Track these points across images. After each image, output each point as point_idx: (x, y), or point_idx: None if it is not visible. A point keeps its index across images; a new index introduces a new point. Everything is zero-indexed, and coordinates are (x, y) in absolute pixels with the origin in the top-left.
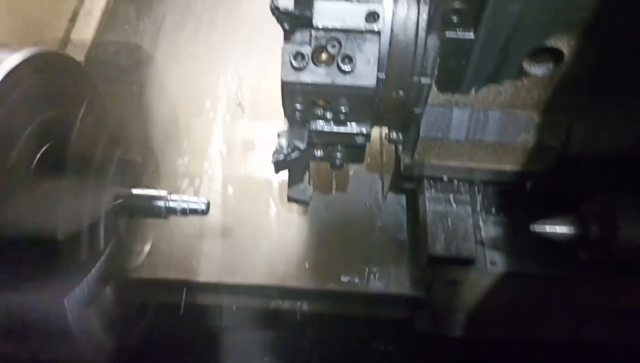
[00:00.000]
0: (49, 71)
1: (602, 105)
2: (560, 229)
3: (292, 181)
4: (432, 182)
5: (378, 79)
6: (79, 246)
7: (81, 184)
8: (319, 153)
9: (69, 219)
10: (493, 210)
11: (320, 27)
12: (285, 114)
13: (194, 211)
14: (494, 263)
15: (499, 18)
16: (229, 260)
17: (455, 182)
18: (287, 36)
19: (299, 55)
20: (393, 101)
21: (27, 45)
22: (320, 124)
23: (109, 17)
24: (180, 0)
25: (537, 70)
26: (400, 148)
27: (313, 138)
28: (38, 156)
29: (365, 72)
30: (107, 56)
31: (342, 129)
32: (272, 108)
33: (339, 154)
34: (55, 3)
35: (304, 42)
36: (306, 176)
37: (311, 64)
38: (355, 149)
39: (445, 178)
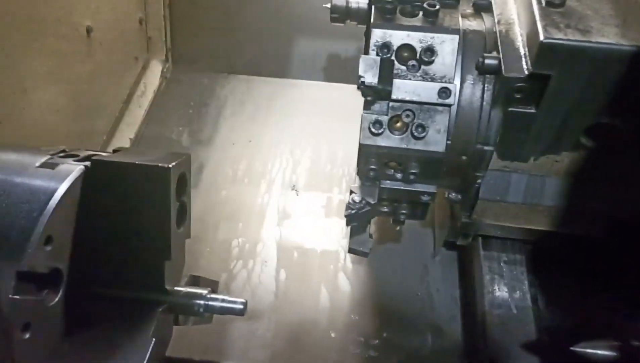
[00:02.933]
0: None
1: None
2: (602, 352)
3: (354, 233)
4: (486, 240)
5: (447, 145)
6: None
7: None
8: (385, 208)
9: None
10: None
11: (398, 98)
12: (359, 173)
13: (231, 311)
14: None
15: (558, 98)
16: (279, 346)
17: (509, 242)
18: (367, 106)
19: (377, 123)
20: (456, 165)
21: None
22: (390, 183)
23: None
24: (240, 86)
25: (594, 143)
26: (456, 206)
27: (382, 194)
28: None
29: (436, 140)
30: (160, 135)
31: (410, 188)
32: (324, 189)
33: (403, 211)
34: (113, 86)
35: (381, 112)
36: (368, 229)
37: (387, 131)
38: (419, 206)
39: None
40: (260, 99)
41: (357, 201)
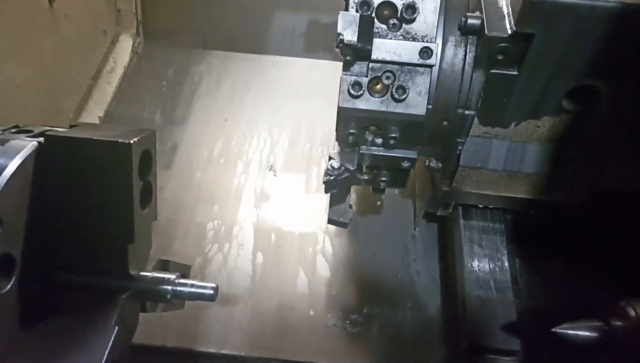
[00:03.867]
0: None
1: (636, 141)
2: (583, 333)
3: (334, 203)
4: (466, 210)
5: (427, 108)
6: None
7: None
8: (364, 176)
9: None
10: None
11: (378, 59)
12: (337, 138)
13: (201, 297)
14: None
15: (541, 58)
16: (256, 332)
17: (489, 212)
18: (346, 67)
19: (356, 84)
20: (437, 131)
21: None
22: (370, 148)
23: (131, 75)
24: (216, 62)
25: (575, 107)
26: (436, 176)
27: (362, 161)
28: None
29: (416, 102)
30: (131, 113)
31: (390, 153)
32: (303, 170)
33: (383, 178)
34: (79, 62)
35: (361, 73)
36: (347, 199)
37: (367, 93)
38: (399, 173)
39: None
40: (237, 77)
41: (336, 167)
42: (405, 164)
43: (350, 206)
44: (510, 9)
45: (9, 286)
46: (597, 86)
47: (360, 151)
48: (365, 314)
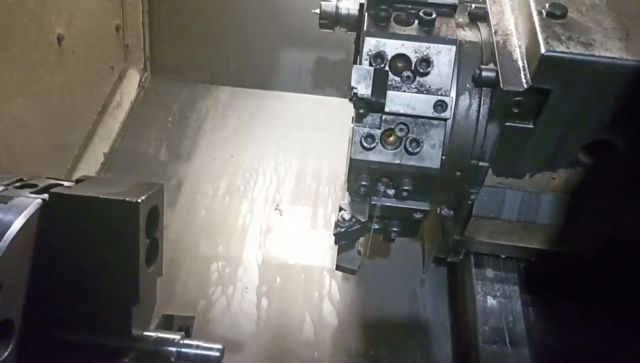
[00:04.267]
0: None
1: None
2: None
3: (342, 249)
4: (478, 258)
5: (441, 160)
6: None
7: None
8: (375, 226)
9: None
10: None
11: (391, 111)
12: (348, 189)
13: (206, 359)
14: None
15: (557, 113)
16: None
17: (501, 261)
18: (359, 119)
19: (369, 136)
20: (450, 181)
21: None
22: (381, 199)
23: (138, 109)
24: (223, 98)
25: (591, 159)
26: (447, 223)
27: (373, 211)
28: None
29: (430, 155)
30: (137, 149)
31: (402, 205)
32: (309, 210)
33: (394, 229)
34: (86, 98)
35: (374, 125)
36: (356, 245)
37: (380, 145)
38: (411, 224)
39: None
40: (244, 112)
41: (347, 218)
42: (418, 215)
43: (359, 252)
44: (525, 62)
45: (6, 353)
46: (613, 140)
47: (372, 202)
48: (372, 358)
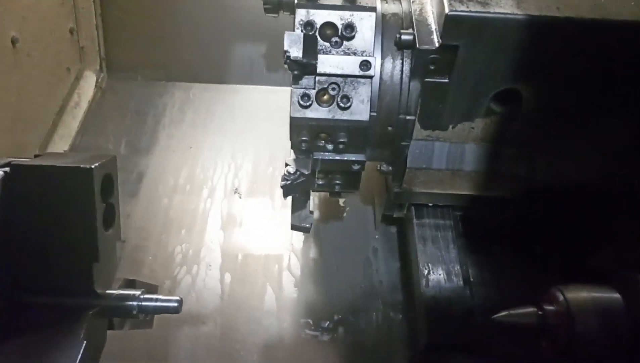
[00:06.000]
0: None
1: (559, 139)
2: (520, 320)
3: (295, 209)
4: (419, 210)
5: (371, 116)
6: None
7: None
8: (320, 181)
9: None
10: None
11: (323, 72)
12: (292, 146)
13: (166, 310)
14: None
15: (466, 66)
16: (226, 349)
17: (439, 210)
18: (295, 81)
19: (305, 96)
20: (384, 136)
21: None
22: (322, 154)
23: (96, 108)
24: (179, 93)
25: (502, 109)
26: (389, 180)
27: (316, 166)
28: None
29: (360, 110)
30: (97, 145)
31: (340, 157)
32: (267, 192)
33: (337, 181)
34: (44, 98)
35: (309, 86)
36: (308, 205)
37: (315, 103)
38: (351, 176)
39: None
40: (200, 106)
41: (292, 172)
42: (356, 167)
43: (311, 212)
44: (437, 25)
45: None
46: (519, 89)
47: (314, 157)
48: (333, 322)
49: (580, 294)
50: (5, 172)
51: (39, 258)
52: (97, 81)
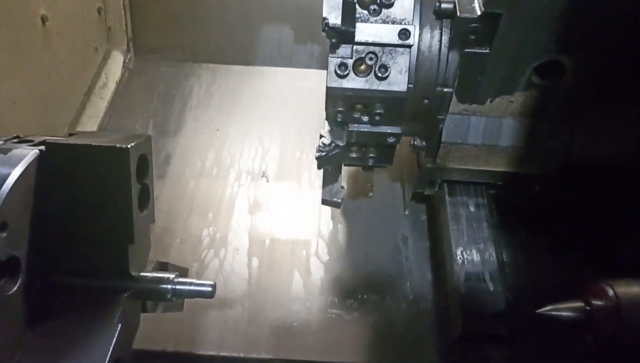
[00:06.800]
0: None
1: (600, 115)
2: (565, 314)
3: (326, 183)
4: (451, 187)
5: (408, 86)
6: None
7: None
8: (353, 154)
9: None
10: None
11: (361, 41)
12: (327, 117)
13: (200, 294)
14: None
15: (508, 36)
16: (254, 333)
17: (472, 188)
18: (332, 50)
19: (342, 65)
20: (419, 109)
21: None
22: (357, 126)
23: (123, 89)
24: (206, 75)
25: (543, 82)
26: (421, 156)
27: (350, 138)
28: None
29: (398, 80)
30: (125, 127)
31: (376, 129)
32: (294, 176)
33: (371, 155)
34: (72, 78)
35: (346, 56)
36: (339, 179)
37: (352, 73)
38: (386, 150)
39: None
40: (227, 88)
41: (327, 143)
42: (391, 139)
43: (343, 187)
44: None
45: (15, 287)
46: (562, 61)
47: (349, 129)
48: (360, 302)
49: (631, 289)
50: (40, 151)
51: (74, 239)
52: (124, 62)
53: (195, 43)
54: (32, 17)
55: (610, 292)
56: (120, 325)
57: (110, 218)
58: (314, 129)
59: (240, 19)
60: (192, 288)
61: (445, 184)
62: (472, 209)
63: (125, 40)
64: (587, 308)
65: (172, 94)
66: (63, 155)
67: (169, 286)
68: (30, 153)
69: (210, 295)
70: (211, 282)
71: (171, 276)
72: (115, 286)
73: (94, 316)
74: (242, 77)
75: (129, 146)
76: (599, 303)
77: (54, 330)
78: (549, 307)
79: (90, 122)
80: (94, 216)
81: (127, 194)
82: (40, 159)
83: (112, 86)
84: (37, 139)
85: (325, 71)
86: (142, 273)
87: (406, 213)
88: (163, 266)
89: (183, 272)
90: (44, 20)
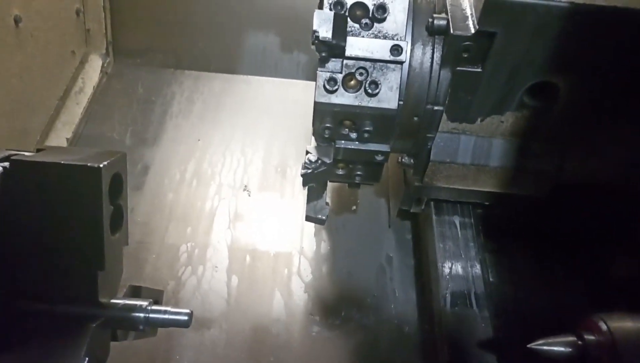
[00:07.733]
0: None
1: (593, 135)
2: (557, 349)
3: (310, 199)
4: (438, 206)
5: (398, 103)
6: None
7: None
8: (340, 171)
9: None
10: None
11: (352, 56)
12: (314, 133)
13: (175, 323)
14: None
15: (502, 55)
16: (231, 356)
17: (459, 207)
18: (322, 63)
19: (331, 80)
20: (409, 126)
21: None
22: (345, 142)
23: (101, 95)
24: (188, 82)
25: (535, 102)
26: (409, 173)
27: (337, 155)
28: None
29: (388, 97)
30: (101, 134)
31: (364, 147)
32: (277, 190)
33: (358, 172)
34: (47, 82)
35: (336, 70)
36: (324, 196)
37: (341, 88)
38: (374, 167)
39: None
40: (209, 96)
41: (313, 160)
42: (379, 158)
43: (327, 204)
44: (473, 10)
45: None
46: (556, 82)
47: (336, 146)
48: (343, 323)
49: (625, 324)
50: (4, 168)
51: (40, 262)
52: (102, 66)
53: (178, 48)
54: (3, 17)
55: (604, 327)
56: (87, 358)
57: (79, 242)
58: (299, 141)
59: (224, 25)
60: (166, 317)
61: (432, 203)
62: (458, 228)
63: (105, 43)
64: (580, 342)
65: (152, 101)
66: (29, 173)
67: (142, 315)
68: None
69: (186, 324)
70: (187, 311)
71: (144, 303)
72: (83, 315)
73: (59, 346)
74: (226, 85)
75: (101, 166)
76: (592, 338)
77: (16, 360)
78: (541, 341)
79: (65, 129)
80: (62, 239)
81: (98, 217)
82: (4, 176)
83: (89, 91)
84: (1, 154)
85: (310, 82)
86: (112, 300)
87: (391, 229)
88: (136, 291)
89: (158, 296)
90: (17, 21)
